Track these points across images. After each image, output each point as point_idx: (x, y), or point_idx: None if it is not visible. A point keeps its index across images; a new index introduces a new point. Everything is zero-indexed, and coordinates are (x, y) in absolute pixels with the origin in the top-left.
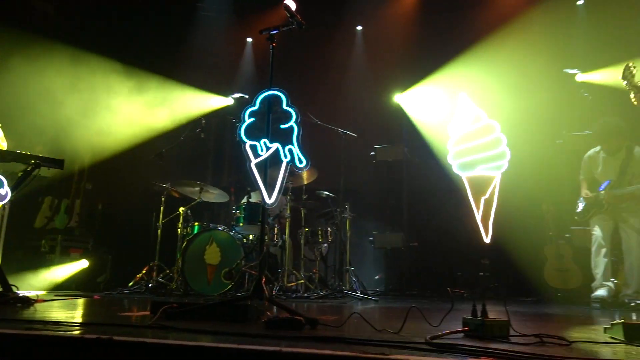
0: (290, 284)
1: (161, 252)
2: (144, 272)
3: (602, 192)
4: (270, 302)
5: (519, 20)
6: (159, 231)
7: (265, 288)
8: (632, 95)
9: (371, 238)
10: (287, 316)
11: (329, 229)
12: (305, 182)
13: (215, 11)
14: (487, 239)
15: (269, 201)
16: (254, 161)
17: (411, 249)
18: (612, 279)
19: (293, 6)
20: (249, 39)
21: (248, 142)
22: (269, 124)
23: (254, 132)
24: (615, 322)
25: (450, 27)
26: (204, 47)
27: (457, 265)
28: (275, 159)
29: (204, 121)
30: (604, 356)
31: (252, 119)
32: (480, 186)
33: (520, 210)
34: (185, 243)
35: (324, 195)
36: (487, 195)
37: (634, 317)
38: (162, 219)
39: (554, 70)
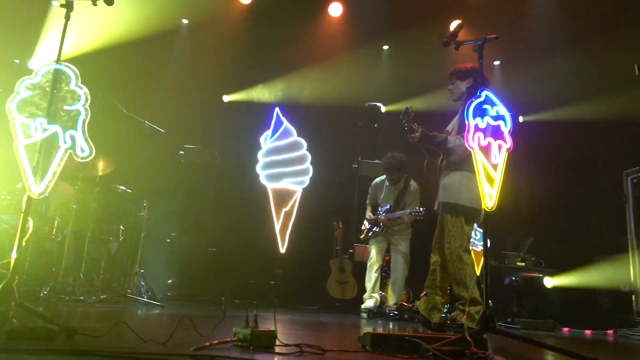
0: (65, 285)
1: None
2: None
3: (381, 215)
4: (19, 306)
5: (335, 54)
6: None
7: (16, 290)
8: (409, 135)
9: (169, 240)
10: (39, 324)
11: (121, 226)
12: (100, 173)
13: None
14: (282, 249)
15: (35, 189)
16: (23, 141)
17: (210, 254)
18: (380, 292)
19: None
20: (55, 2)
21: (19, 119)
22: (51, 102)
23: (28, 109)
24: (366, 331)
25: (277, 41)
26: None
27: (253, 273)
28: None
29: None
30: None
31: (29, 93)
32: (282, 198)
33: (314, 224)
34: None
35: (120, 190)
36: (287, 208)
37: (391, 326)
38: None
39: (359, 101)
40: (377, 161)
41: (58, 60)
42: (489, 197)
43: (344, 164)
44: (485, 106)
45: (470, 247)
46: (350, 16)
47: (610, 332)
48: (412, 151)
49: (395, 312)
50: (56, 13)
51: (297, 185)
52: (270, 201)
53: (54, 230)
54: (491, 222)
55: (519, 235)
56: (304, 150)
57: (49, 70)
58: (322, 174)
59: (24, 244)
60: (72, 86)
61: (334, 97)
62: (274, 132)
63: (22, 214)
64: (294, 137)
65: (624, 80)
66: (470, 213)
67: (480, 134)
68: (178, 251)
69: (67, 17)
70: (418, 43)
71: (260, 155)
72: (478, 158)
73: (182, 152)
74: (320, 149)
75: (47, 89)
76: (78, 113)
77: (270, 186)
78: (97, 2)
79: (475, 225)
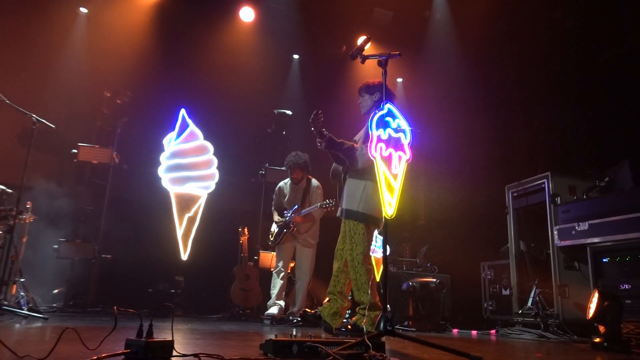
0: None
1: None
2: None
3: (290, 216)
4: None
5: (246, 59)
6: None
7: None
8: (317, 140)
9: (56, 246)
10: None
11: None
12: None
13: None
14: (184, 256)
15: None
16: None
17: (104, 261)
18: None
19: None
20: None
21: None
22: None
23: None
24: (268, 338)
25: (184, 41)
26: None
27: (153, 280)
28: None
29: None
30: None
31: None
32: (186, 203)
33: (219, 230)
34: None
35: None
36: (191, 213)
37: (294, 332)
38: None
39: (268, 107)
40: (284, 168)
41: None
42: (389, 205)
43: (250, 170)
44: (387, 119)
45: (371, 254)
46: (261, 23)
47: (493, 331)
48: (317, 157)
49: (299, 319)
50: None
51: (202, 190)
52: (173, 206)
53: None
54: (390, 230)
55: (416, 242)
56: (210, 155)
57: None
58: (228, 180)
59: None
60: None
61: (242, 102)
62: (179, 134)
63: None
64: (200, 140)
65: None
66: (371, 221)
67: (382, 144)
68: (66, 258)
69: None
70: (327, 54)
71: (163, 157)
72: (380, 168)
73: (75, 151)
74: (227, 154)
75: None
76: None
77: (173, 190)
78: None
79: (375, 232)
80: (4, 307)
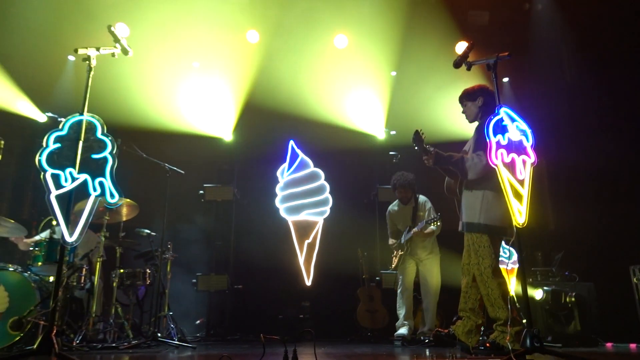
0: (96, 333)
1: None
2: None
3: (406, 237)
4: (59, 358)
5: (343, 84)
6: None
7: (55, 341)
8: (424, 157)
9: (194, 280)
10: None
11: (147, 270)
12: (124, 219)
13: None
14: (308, 282)
15: (69, 239)
16: (54, 192)
17: (236, 291)
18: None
19: (126, 31)
20: (71, 57)
21: (49, 171)
22: (78, 152)
23: (59, 160)
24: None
25: (286, 76)
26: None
27: (280, 307)
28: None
29: (2, 142)
30: None
31: (58, 145)
32: (304, 230)
33: (339, 254)
34: None
35: (145, 234)
36: (310, 239)
37: (427, 353)
38: None
39: (372, 127)
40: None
41: (83, 112)
42: (519, 212)
43: (362, 192)
44: (504, 123)
45: (501, 266)
46: (356, 47)
47: None
48: (424, 173)
49: (430, 339)
50: (73, 66)
51: (317, 216)
52: (292, 234)
53: (82, 278)
54: (520, 239)
55: (547, 250)
56: (322, 181)
57: (75, 121)
58: (342, 203)
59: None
60: (98, 135)
61: (346, 126)
62: (290, 165)
63: (57, 264)
64: (311, 168)
65: None
66: (495, 231)
67: (503, 150)
68: (204, 290)
69: (90, 69)
70: (425, 67)
71: (278, 189)
72: (503, 174)
73: (201, 192)
74: (337, 179)
75: (75, 139)
76: (105, 160)
77: (290, 219)
78: (116, 54)
79: (503, 243)
80: (159, 339)
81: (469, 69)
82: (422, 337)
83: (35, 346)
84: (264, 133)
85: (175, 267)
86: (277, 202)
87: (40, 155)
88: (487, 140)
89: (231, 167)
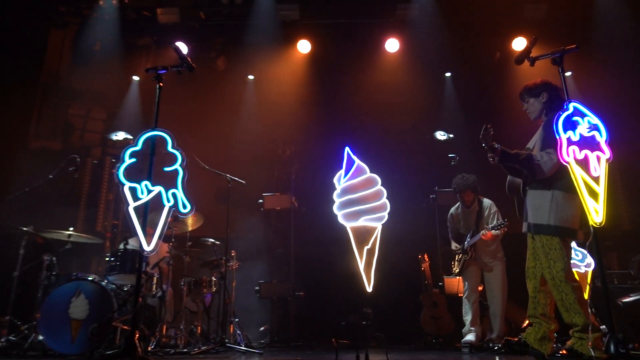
0: (168, 339)
1: (17, 307)
2: None
3: (469, 242)
4: None
5: (397, 87)
6: (14, 282)
7: (138, 345)
8: (489, 155)
9: (257, 288)
10: None
11: (213, 278)
12: (190, 229)
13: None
14: (369, 288)
15: (147, 248)
16: (132, 204)
17: (297, 298)
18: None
19: (184, 49)
20: (135, 77)
21: (127, 184)
22: (151, 166)
23: (134, 174)
24: None
25: (338, 83)
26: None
27: (342, 314)
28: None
29: (78, 159)
30: None
31: (133, 160)
32: (363, 236)
33: (399, 260)
34: (45, 294)
35: (209, 243)
36: (369, 245)
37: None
38: (20, 267)
39: (427, 130)
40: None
41: (155, 127)
42: (595, 212)
43: (421, 196)
44: (575, 118)
45: (573, 269)
46: (407, 50)
47: None
48: (484, 173)
49: (499, 346)
50: (137, 86)
51: (376, 221)
52: (351, 240)
53: (154, 286)
54: (598, 239)
55: (623, 251)
56: (378, 186)
57: (148, 136)
58: (400, 208)
59: (140, 300)
60: (169, 149)
61: (401, 130)
62: (346, 172)
63: (137, 274)
64: (367, 173)
65: None
66: (567, 233)
67: (574, 147)
68: (267, 297)
69: (159, 88)
70: (481, 66)
71: (335, 195)
72: (576, 172)
73: (260, 201)
74: (395, 184)
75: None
76: (177, 173)
77: (349, 225)
78: (182, 71)
79: (574, 244)
80: (227, 345)
81: (532, 64)
82: (490, 344)
83: (120, 350)
84: (319, 140)
85: (238, 274)
86: (335, 208)
87: (118, 170)
88: (557, 137)
89: (288, 176)
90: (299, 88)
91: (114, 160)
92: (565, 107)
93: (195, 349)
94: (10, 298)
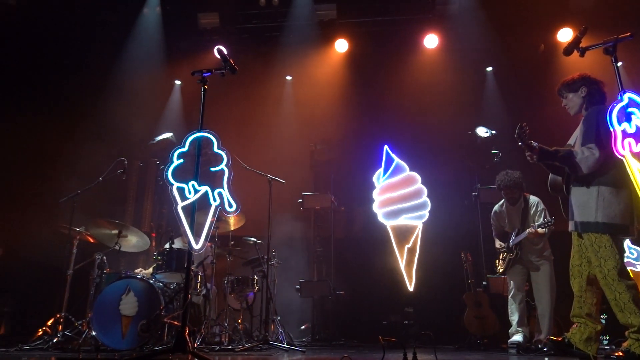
0: (213, 335)
1: (71, 303)
2: (48, 325)
3: (514, 240)
4: (194, 356)
5: (437, 83)
6: (68, 280)
7: (189, 340)
8: (527, 153)
9: (298, 287)
10: None
11: (255, 277)
12: (232, 228)
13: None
14: (410, 287)
15: (195, 246)
16: (180, 204)
17: (338, 297)
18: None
19: (225, 51)
20: (177, 82)
21: (175, 184)
22: (198, 166)
23: (182, 174)
24: None
25: (376, 82)
26: (130, 86)
27: (383, 313)
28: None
29: (126, 162)
30: None
31: (181, 161)
32: (403, 235)
33: (441, 258)
34: (97, 292)
35: (251, 242)
36: (410, 244)
37: None
38: (73, 266)
39: (468, 126)
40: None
41: (200, 128)
42: None
43: (462, 193)
44: (630, 109)
45: (628, 268)
46: (447, 45)
47: None
48: (530, 169)
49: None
50: (179, 90)
51: (416, 220)
52: (392, 239)
53: (199, 284)
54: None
55: None
56: (419, 184)
57: (194, 138)
58: (442, 206)
59: (190, 297)
60: (215, 149)
61: (441, 127)
62: (385, 170)
63: (185, 271)
64: (407, 172)
65: None
66: (616, 229)
67: (630, 139)
68: (307, 296)
69: (204, 90)
70: (524, 58)
71: (375, 194)
72: (633, 166)
73: (300, 200)
74: (435, 181)
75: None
76: (223, 173)
77: (389, 224)
78: (225, 73)
79: (629, 242)
80: (270, 343)
81: (582, 55)
82: (539, 345)
83: (171, 345)
84: (357, 139)
85: (280, 273)
86: (375, 207)
87: (166, 171)
88: (612, 129)
89: (328, 175)
90: (336, 87)
91: (158, 162)
92: (620, 97)
93: (240, 346)
94: (65, 295)
